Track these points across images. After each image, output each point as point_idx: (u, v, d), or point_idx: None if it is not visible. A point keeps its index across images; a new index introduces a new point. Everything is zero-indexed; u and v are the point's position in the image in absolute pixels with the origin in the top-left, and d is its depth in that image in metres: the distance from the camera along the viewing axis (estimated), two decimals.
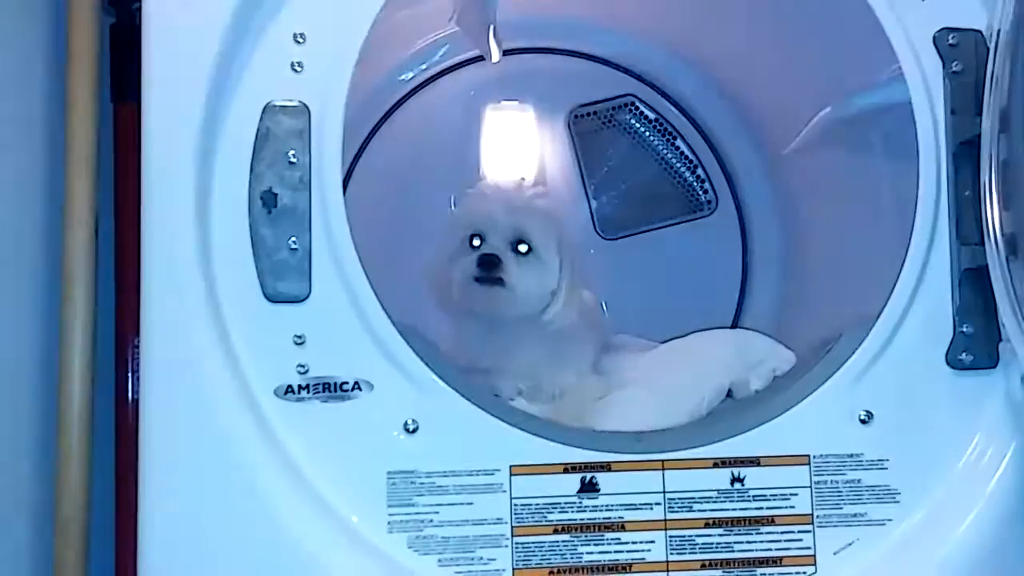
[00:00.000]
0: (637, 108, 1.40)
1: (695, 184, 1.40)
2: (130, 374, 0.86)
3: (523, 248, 0.91)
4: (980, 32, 0.73)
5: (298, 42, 0.70)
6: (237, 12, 0.68)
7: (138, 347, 0.86)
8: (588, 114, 1.41)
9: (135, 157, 0.73)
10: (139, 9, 0.82)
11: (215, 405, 0.67)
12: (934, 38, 0.74)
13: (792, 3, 0.94)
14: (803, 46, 1.01)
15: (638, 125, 1.41)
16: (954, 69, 0.73)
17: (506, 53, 1.19)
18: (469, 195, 0.97)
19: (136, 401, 0.87)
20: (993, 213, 0.64)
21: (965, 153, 0.72)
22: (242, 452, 0.67)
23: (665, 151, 1.41)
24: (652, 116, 1.39)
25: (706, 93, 1.34)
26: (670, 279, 1.40)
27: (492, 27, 1.11)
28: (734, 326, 1.35)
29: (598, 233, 1.41)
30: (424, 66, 1.33)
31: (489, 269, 0.88)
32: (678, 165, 1.40)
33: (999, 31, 0.65)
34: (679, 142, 1.40)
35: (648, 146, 1.41)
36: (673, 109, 1.38)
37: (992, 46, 0.66)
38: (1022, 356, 0.60)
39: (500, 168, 1.38)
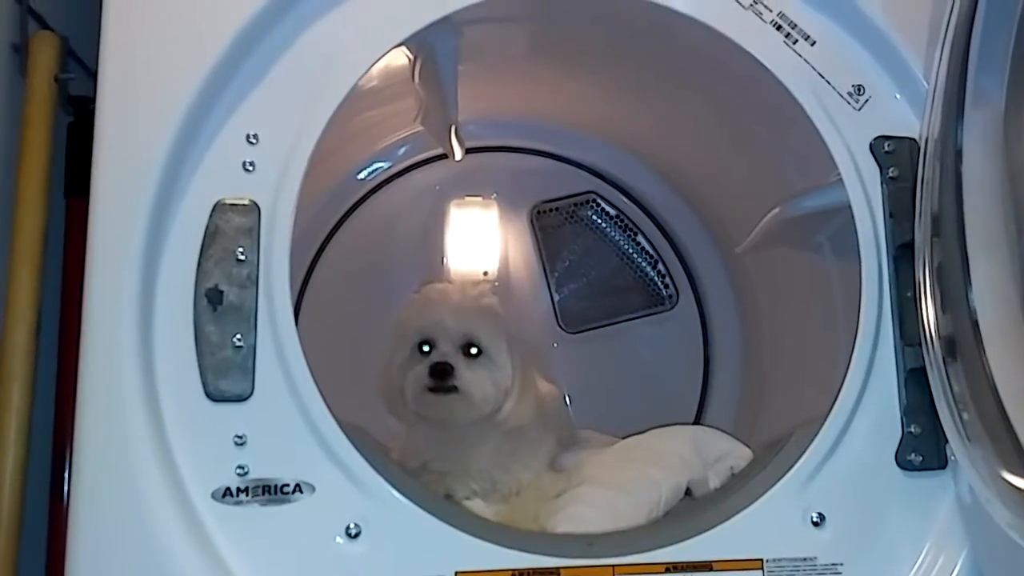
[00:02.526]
0: (598, 204, 1.43)
1: (656, 279, 1.42)
2: (67, 476, 0.83)
3: (474, 351, 0.91)
4: (914, 139, 0.76)
5: (251, 143, 0.71)
6: (191, 111, 0.69)
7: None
8: (551, 210, 1.44)
9: (84, 249, 0.72)
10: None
11: (149, 508, 0.65)
12: (871, 145, 0.77)
13: (742, 110, 0.97)
14: (754, 150, 1.04)
15: (599, 221, 1.43)
16: (891, 175, 0.76)
17: (470, 151, 1.22)
18: (415, 300, 0.97)
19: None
20: (929, 316, 0.65)
21: (905, 255, 0.74)
22: (176, 558, 0.64)
23: (626, 246, 1.43)
24: (613, 212, 1.42)
25: (665, 191, 1.37)
26: (633, 372, 1.40)
27: (454, 127, 1.13)
28: (697, 419, 1.35)
29: (560, 326, 1.41)
30: (388, 164, 1.35)
31: (442, 378, 0.87)
32: (639, 260, 1.43)
33: (927, 139, 0.68)
34: (640, 237, 1.42)
35: (610, 241, 1.44)
36: (633, 206, 1.41)
37: (922, 153, 0.69)
38: (961, 459, 0.59)
39: (464, 262, 1.40)
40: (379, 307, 1.31)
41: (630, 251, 1.43)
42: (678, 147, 1.27)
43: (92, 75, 0.84)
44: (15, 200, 0.73)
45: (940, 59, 0.67)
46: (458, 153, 1.20)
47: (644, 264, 1.43)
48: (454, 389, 0.88)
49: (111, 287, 0.67)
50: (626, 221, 1.42)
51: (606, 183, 1.42)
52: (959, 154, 0.66)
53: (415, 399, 0.90)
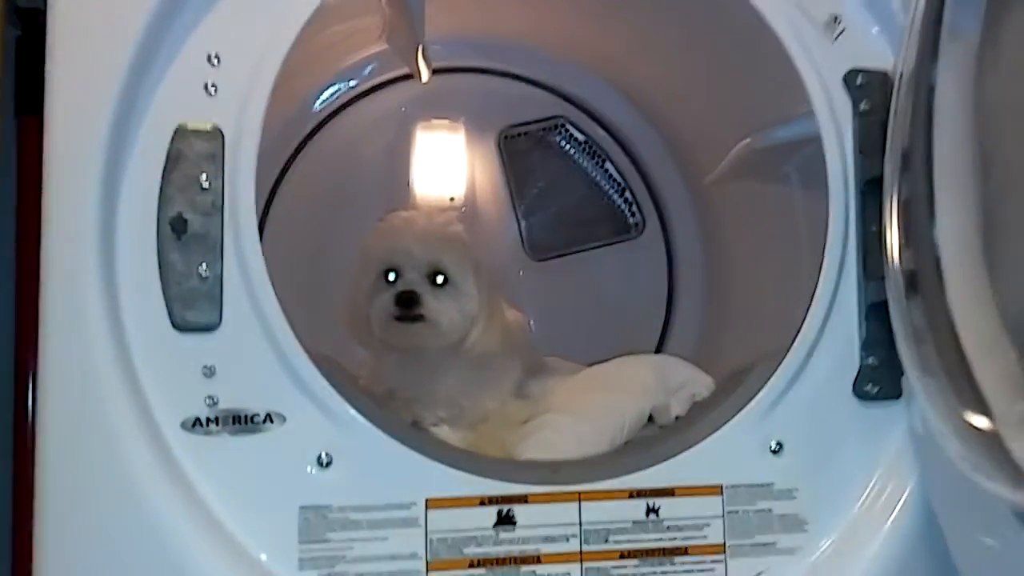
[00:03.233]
0: (567, 130, 1.41)
1: (623, 207, 1.42)
2: (30, 396, 0.82)
3: (440, 279, 0.90)
4: (887, 73, 0.75)
5: (212, 64, 0.68)
6: (149, 28, 0.66)
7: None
8: (519, 134, 1.42)
9: (39, 171, 0.70)
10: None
11: (118, 438, 0.64)
12: (844, 78, 0.76)
13: (715, 38, 0.96)
14: (726, 79, 1.03)
15: (568, 146, 1.42)
16: (862, 109, 0.76)
17: (437, 72, 1.19)
18: (380, 227, 0.96)
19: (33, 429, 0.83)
20: (893, 250, 0.66)
21: (873, 191, 0.74)
22: (146, 488, 0.64)
23: (594, 173, 1.43)
24: (582, 138, 1.41)
25: (635, 119, 1.36)
26: (598, 300, 1.41)
27: (420, 47, 1.10)
28: (660, 347, 1.37)
29: (527, 253, 1.42)
30: (354, 83, 1.32)
31: (408, 306, 0.87)
32: (607, 187, 1.42)
33: (902, 73, 0.68)
34: (608, 164, 1.42)
35: (578, 167, 1.43)
36: (603, 132, 1.40)
37: (895, 87, 0.69)
38: (916, 391, 0.61)
39: (430, 186, 1.39)
40: (344, 232, 1.29)
41: (598, 178, 1.43)
42: (649, 73, 1.26)
43: None
44: None
45: None
46: (424, 74, 1.17)
47: (611, 192, 1.42)
48: (420, 318, 0.88)
49: (70, 216, 0.65)
50: (595, 147, 1.41)
51: (576, 108, 1.40)
52: (931, 89, 0.66)
53: (381, 327, 0.90)
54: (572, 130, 1.41)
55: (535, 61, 1.35)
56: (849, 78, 0.76)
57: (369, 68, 1.30)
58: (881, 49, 0.76)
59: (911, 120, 0.66)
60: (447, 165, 1.38)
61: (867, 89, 0.76)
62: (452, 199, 1.40)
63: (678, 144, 1.32)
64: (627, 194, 1.42)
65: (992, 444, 0.49)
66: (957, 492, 0.61)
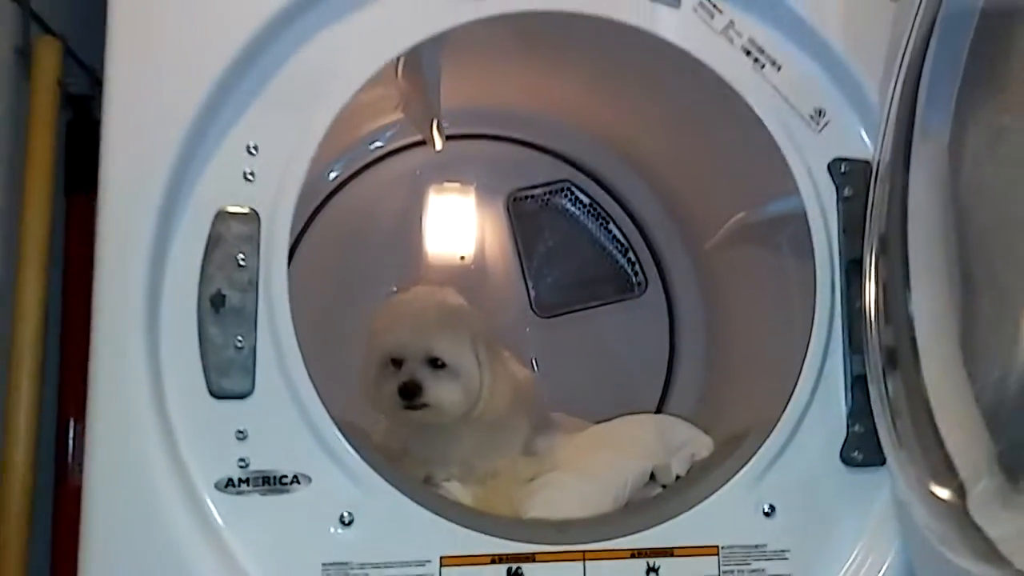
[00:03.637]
0: (573, 193, 1.48)
1: (626, 266, 1.48)
2: (70, 456, 0.87)
3: (440, 362, 0.95)
4: (868, 162, 0.82)
5: (251, 153, 0.75)
6: (194, 123, 0.73)
7: (79, 430, 0.89)
8: (527, 197, 1.48)
9: (86, 247, 0.76)
10: (97, 106, 0.87)
11: (157, 497, 0.70)
12: (828, 166, 0.83)
13: (713, 118, 1.02)
14: (723, 153, 1.09)
15: (573, 208, 1.49)
16: (846, 195, 0.82)
17: (449, 138, 1.26)
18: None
19: (72, 483, 0.89)
20: (873, 327, 0.72)
21: (856, 269, 0.80)
22: (183, 544, 0.69)
23: (598, 234, 1.49)
24: (587, 201, 1.48)
25: (637, 184, 1.43)
26: (602, 357, 1.46)
27: (436, 120, 1.17)
28: (660, 404, 1.42)
29: (534, 310, 1.47)
30: (375, 145, 1.39)
31: (411, 397, 0.92)
32: (610, 247, 1.49)
33: (879, 165, 0.74)
34: (612, 226, 1.48)
35: (582, 228, 1.49)
36: (607, 195, 1.46)
37: (873, 178, 0.75)
38: (890, 462, 0.66)
39: (442, 246, 1.45)
40: (361, 289, 1.36)
41: (602, 239, 1.49)
42: (651, 143, 1.32)
43: (90, 74, 0.87)
44: (22, 200, 0.77)
45: (893, 93, 0.73)
46: (439, 143, 1.24)
47: (615, 252, 1.49)
48: (425, 405, 0.93)
49: (119, 292, 0.71)
50: (599, 210, 1.48)
51: (581, 172, 1.46)
52: (906, 181, 0.72)
53: (390, 414, 0.95)
54: (577, 193, 1.48)
55: (542, 128, 1.43)
56: (833, 166, 0.83)
57: (387, 135, 1.38)
58: (863, 139, 0.83)
59: (887, 208, 0.72)
60: (458, 226, 1.45)
61: (850, 176, 0.82)
62: (463, 258, 1.47)
63: (679, 209, 1.39)
64: (630, 255, 1.48)
65: (959, 517, 0.54)
66: (931, 560, 0.65)
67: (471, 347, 0.97)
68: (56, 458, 0.86)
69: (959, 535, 0.54)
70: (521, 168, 1.45)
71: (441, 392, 0.93)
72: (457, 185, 1.45)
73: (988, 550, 0.50)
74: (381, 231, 1.42)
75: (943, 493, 0.57)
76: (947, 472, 0.58)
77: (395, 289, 1.42)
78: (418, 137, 1.36)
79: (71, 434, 0.87)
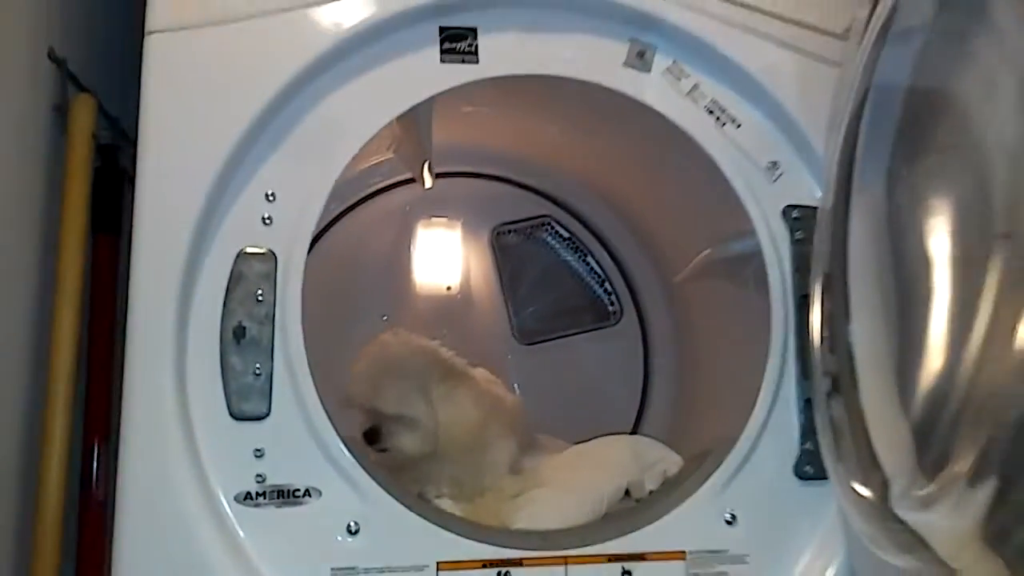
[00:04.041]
0: (553, 227, 1.58)
1: (603, 297, 1.58)
2: (94, 474, 0.95)
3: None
4: (817, 209, 0.92)
5: (269, 200, 0.84)
6: (220, 173, 0.82)
7: (102, 450, 0.96)
8: (509, 231, 1.58)
9: (109, 281, 0.84)
10: (123, 155, 0.96)
11: (183, 509, 0.77)
12: (782, 212, 0.93)
13: (682, 163, 1.12)
14: (690, 195, 1.19)
15: (553, 242, 1.59)
16: (797, 237, 0.92)
17: (437, 176, 1.35)
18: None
19: (95, 498, 0.96)
20: (818, 356, 0.82)
21: (806, 304, 0.90)
22: (206, 551, 0.77)
23: (577, 266, 1.58)
24: (566, 235, 1.58)
25: (613, 220, 1.52)
26: (580, 381, 1.55)
27: (427, 161, 1.26)
28: (636, 425, 1.51)
29: (515, 337, 1.56)
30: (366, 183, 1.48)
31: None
32: (588, 279, 1.58)
33: (823, 210, 0.84)
34: (589, 259, 1.58)
35: (562, 261, 1.59)
36: (585, 230, 1.56)
37: (818, 224, 0.85)
38: (831, 475, 0.76)
39: (429, 276, 1.54)
40: (355, 314, 1.44)
41: (580, 271, 1.58)
42: (626, 183, 1.43)
43: (116, 125, 0.96)
44: (60, 242, 0.85)
45: (834, 150, 0.83)
46: (428, 182, 1.33)
47: (592, 283, 1.58)
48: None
49: (150, 325, 0.79)
50: (578, 244, 1.57)
51: (561, 209, 1.56)
52: (847, 227, 0.82)
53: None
54: (557, 228, 1.57)
55: (525, 168, 1.52)
56: (787, 212, 0.93)
57: (378, 174, 1.47)
58: (812, 189, 0.93)
59: (831, 250, 0.82)
60: (445, 257, 1.54)
61: (802, 221, 0.92)
62: (449, 288, 1.56)
63: (652, 245, 1.49)
64: (607, 285, 1.57)
65: (883, 514, 0.63)
66: (865, 560, 0.75)
67: (420, 394, 1.03)
68: (81, 475, 0.93)
69: (883, 531, 0.63)
70: (505, 204, 1.55)
71: (398, 440, 1.01)
72: (444, 219, 1.54)
73: (911, 542, 0.59)
74: (373, 261, 1.51)
75: (869, 493, 0.66)
76: (876, 476, 0.67)
77: (385, 318, 1.51)
78: (408, 175, 1.45)
79: (95, 453, 0.95)
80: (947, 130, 0.69)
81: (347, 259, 1.48)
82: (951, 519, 0.51)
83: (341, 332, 1.43)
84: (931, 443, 0.60)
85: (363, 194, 1.50)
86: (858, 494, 0.68)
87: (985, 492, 0.48)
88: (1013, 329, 0.48)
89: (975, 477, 0.49)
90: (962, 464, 0.51)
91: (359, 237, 1.50)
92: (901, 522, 0.61)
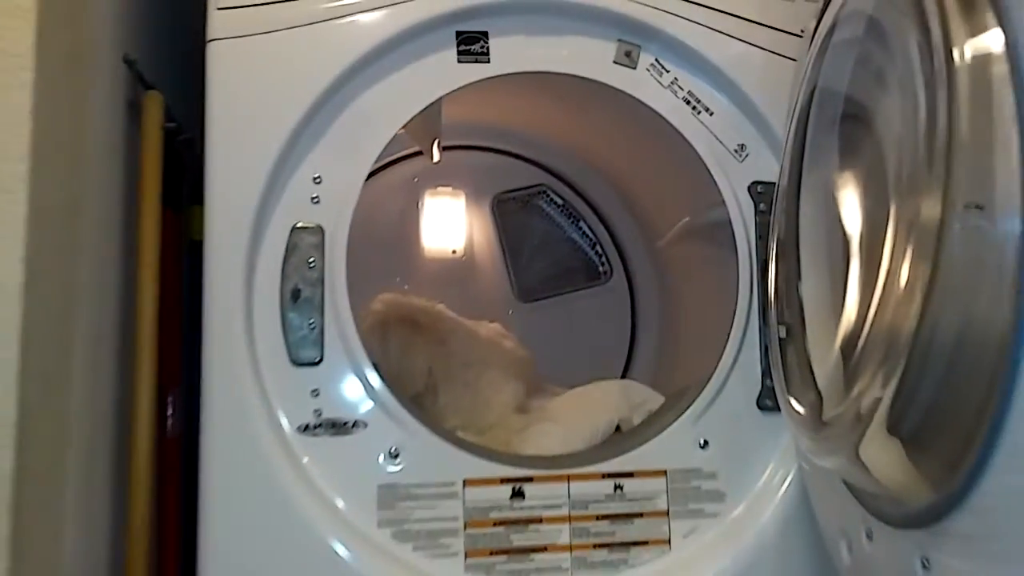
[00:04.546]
0: (549, 196, 1.73)
1: (594, 258, 1.73)
2: (168, 417, 1.12)
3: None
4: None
5: (316, 182, 1.00)
6: (277, 159, 0.97)
7: (174, 396, 1.13)
8: (509, 199, 1.73)
9: (173, 250, 1.00)
10: (183, 140, 1.11)
11: (256, 439, 0.94)
12: (748, 187, 1.09)
13: (660, 140, 1.26)
14: (670, 168, 1.34)
15: (549, 209, 1.74)
16: (761, 209, 1.08)
17: (443, 148, 1.50)
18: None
19: (170, 437, 1.13)
20: (774, 309, 0.99)
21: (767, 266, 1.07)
22: (275, 474, 0.94)
23: (571, 231, 1.74)
24: (561, 202, 1.72)
25: (603, 188, 1.67)
26: (575, 334, 1.71)
27: (437, 139, 1.41)
28: (625, 372, 1.68)
29: (516, 296, 1.72)
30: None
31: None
32: (581, 242, 1.73)
33: (779, 187, 1.01)
34: (582, 224, 1.72)
35: (557, 226, 1.74)
36: (578, 198, 1.71)
37: (775, 197, 1.01)
38: (781, 404, 0.93)
39: (435, 241, 1.70)
40: (369, 276, 1.59)
41: (574, 235, 1.73)
42: (615, 156, 1.58)
43: (172, 116, 1.10)
44: (139, 219, 1.00)
45: (789, 129, 0.99)
46: (436, 156, 1.48)
47: (585, 246, 1.73)
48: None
49: (224, 289, 0.95)
50: (572, 210, 1.72)
51: (555, 178, 1.71)
52: (799, 203, 0.98)
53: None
54: (553, 196, 1.72)
55: (523, 141, 1.66)
56: (752, 187, 1.09)
57: (391, 148, 1.61)
58: (775, 167, 1.09)
59: (785, 220, 0.99)
60: (450, 224, 1.69)
61: (765, 195, 1.08)
62: (454, 251, 1.71)
63: (638, 210, 1.64)
64: (598, 248, 1.73)
65: (819, 430, 0.81)
66: (808, 471, 0.93)
67: (381, 343, 1.24)
68: (158, 420, 1.10)
69: (817, 440, 0.80)
70: (504, 174, 1.69)
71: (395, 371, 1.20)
72: (449, 189, 1.68)
73: (836, 447, 0.76)
74: (384, 228, 1.66)
75: (808, 412, 0.84)
76: (815, 399, 0.85)
77: (397, 279, 1.67)
78: (416, 148, 1.60)
79: (168, 400, 1.11)
80: (861, 123, 0.85)
81: (361, 225, 1.63)
82: (861, 419, 0.68)
83: (355, 292, 1.59)
84: (850, 368, 0.77)
85: (377, 166, 1.64)
86: (800, 414, 0.86)
87: (887, 394, 0.65)
88: (898, 274, 0.64)
89: (880, 385, 0.66)
90: (869, 377, 0.68)
91: (372, 205, 1.64)
92: (829, 431, 0.78)
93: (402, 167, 1.66)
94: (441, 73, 1.03)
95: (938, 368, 0.61)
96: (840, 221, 0.91)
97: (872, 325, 0.69)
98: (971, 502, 0.60)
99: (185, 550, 0.94)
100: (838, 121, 0.91)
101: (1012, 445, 0.56)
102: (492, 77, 1.05)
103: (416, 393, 1.26)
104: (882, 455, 0.68)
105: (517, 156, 1.70)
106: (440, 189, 1.69)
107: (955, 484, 0.61)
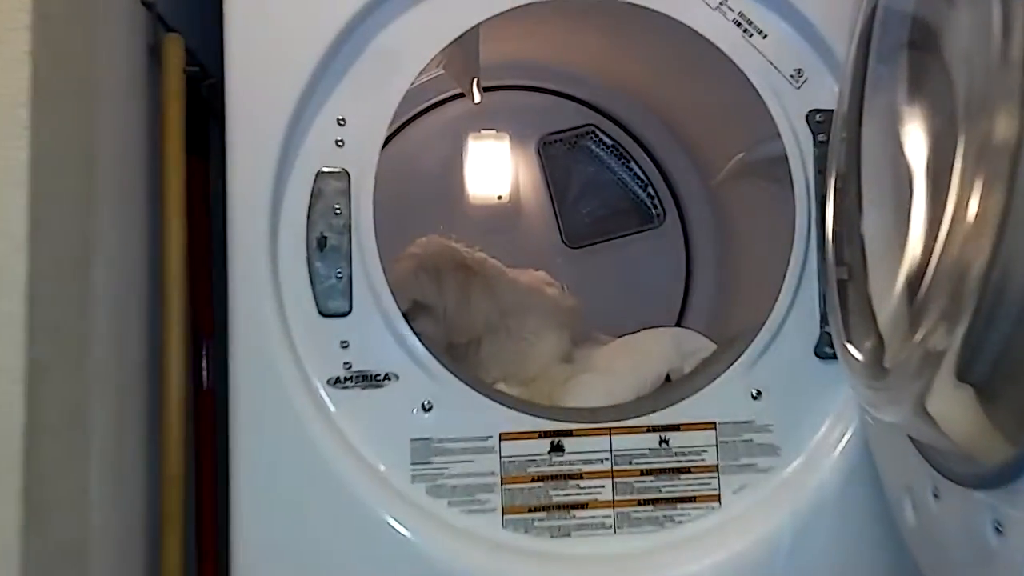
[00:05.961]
0: (597, 136, 1.66)
1: (646, 201, 1.67)
2: (204, 366, 1.10)
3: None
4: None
5: (340, 124, 0.95)
6: (298, 101, 0.92)
7: (209, 346, 1.11)
8: (556, 140, 1.67)
9: (202, 197, 0.97)
10: (206, 86, 1.07)
11: (286, 391, 0.92)
12: (806, 116, 1.00)
13: (714, 71, 1.18)
14: (724, 101, 1.26)
15: (598, 150, 1.67)
16: (820, 140, 1.00)
17: (485, 90, 1.44)
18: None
19: (207, 388, 1.12)
20: (832, 249, 0.90)
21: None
22: (306, 426, 0.92)
23: (621, 172, 1.67)
24: (610, 143, 1.66)
25: (655, 125, 1.60)
26: (626, 281, 1.66)
27: (475, 77, 1.35)
28: (679, 319, 1.62)
29: (564, 242, 1.67)
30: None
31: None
32: (632, 184, 1.67)
33: (838, 115, 0.91)
34: (633, 165, 1.66)
35: (607, 168, 1.67)
36: (628, 137, 1.64)
37: (834, 125, 0.92)
38: (839, 351, 0.85)
39: (481, 187, 1.64)
40: (413, 224, 1.56)
41: (624, 177, 1.67)
42: (665, 91, 1.49)
43: (195, 58, 1.07)
44: (162, 166, 0.97)
45: (850, 51, 0.90)
46: (477, 97, 1.42)
47: (636, 188, 1.67)
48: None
49: (248, 239, 0.92)
50: (621, 150, 1.65)
51: (604, 117, 1.64)
52: (859, 131, 0.89)
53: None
54: (601, 136, 1.65)
55: (569, 79, 1.60)
56: (810, 116, 1.00)
57: (430, 91, 1.56)
58: (834, 93, 1.00)
59: (846, 150, 0.90)
60: (495, 168, 1.64)
61: (824, 125, 0.99)
62: (500, 197, 1.66)
63: (692, 147, 1.56)
64: (649, 190, 1.66)
65: (880, 378, 0.73)
66: (871, 425, 0.85)
67: (435, 284, 1.20)
68: (194, 369, 1.09)
69: (877, 391, 0.73)
70: (550, 115, 1.63)
71: (420, 323, 1.14)
72: (493, 132, 1.63)
73: (899, 398, 0.69)
74: (428, 174, 1.61)
75: (868, 359, 0.76)
76: (877, 345, 0.77)
77: (442, 227, 1.63)
78: (457, 90, 1.54)
79: (204, 349, 1.10)
80: (929, 40, 0.76)
81: (404, 172, 1.59)
82: (927, 366, 0.61)
83: (405, 240, 1.56)
84: (915, 311, 0.69)
85: (416, 110, 1.59)
86: (858, 361, 0.78)
87: (955, 338, 0.58)
88: (967, 204, 0.57)
89: (946, 329, 0.59)
90: (935, 319, 0.61)
91: (414, 151, 1.60)
92: (891, 379, 0.71)
93: (444, 110, 1.61)
94: (469, 1, 0.96)
95: (1013, 309, 0.54)
96: (904, 150, 0.82)
97: (939, 262, 0.61)
98: None
99: (226, 503, 0.92)
100: (904, 41, 0.81)
101: None
102: (523, 5, 0.97)
103: (458, 343, 1.23)
104: (951, 407, 0.61)
105: (563, 95, 1.64)
106: (483, 132, 1.64)
107: None
